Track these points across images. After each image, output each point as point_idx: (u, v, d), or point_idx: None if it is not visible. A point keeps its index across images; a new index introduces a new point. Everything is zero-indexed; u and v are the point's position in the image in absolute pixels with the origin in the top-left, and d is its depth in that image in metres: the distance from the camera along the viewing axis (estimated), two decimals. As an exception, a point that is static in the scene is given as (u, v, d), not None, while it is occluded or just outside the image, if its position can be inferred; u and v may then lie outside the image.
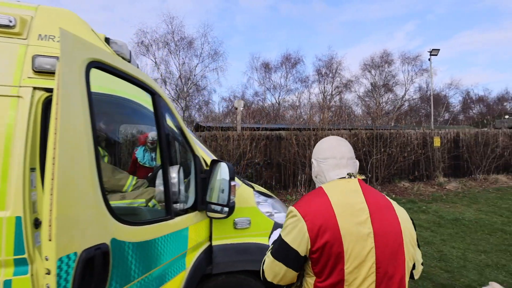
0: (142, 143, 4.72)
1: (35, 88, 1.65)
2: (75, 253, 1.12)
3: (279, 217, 2.77)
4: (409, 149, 11.29)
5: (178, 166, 2.08)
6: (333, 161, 1.45)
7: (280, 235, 1.32)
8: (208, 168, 2.30)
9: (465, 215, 7.29)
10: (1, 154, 1.50)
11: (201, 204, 2.18)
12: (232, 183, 2.12)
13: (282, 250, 1.28)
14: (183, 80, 32.77)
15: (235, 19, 67.86)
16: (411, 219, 1.40)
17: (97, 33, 2.24)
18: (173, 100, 32.25)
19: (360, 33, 73.31)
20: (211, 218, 2.28)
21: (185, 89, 32.56)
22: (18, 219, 1.49)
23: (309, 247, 1.23)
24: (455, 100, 44.65)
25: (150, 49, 31.77)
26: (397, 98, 40.19)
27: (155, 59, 32.13)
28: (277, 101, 39.24)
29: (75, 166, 1.15)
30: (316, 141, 9.74)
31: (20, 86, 1.62)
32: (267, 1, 67.67)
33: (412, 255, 1.32)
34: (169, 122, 2.06)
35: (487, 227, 6.34)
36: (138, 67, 2.67)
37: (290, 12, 68.26)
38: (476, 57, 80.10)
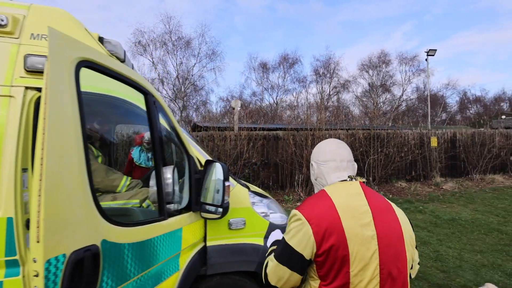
0: (138, 143, 4.69)
1: (27, 88, 1.63)
2: (64, 255, 1.11)
3: (275, 217, 2.76)
4: (406, 149, 11.33)
5: (172, 166, 2.07)
6: (334, 164, 1.46)
7: (283, 238, 1.32)
8: (202, 169, 2.29)
9: (462, 215, 7.31)
10: None
11: (195, 205, 2.17)
12: (226, 183, 2.11)
13: (286, 254, 1.28)
14: (180, 80, 32.77)
15: (233, 19, 68.01)
16: (409, 219, 1.42)
17: (91, 33, 2.23)
18: (171, 100, 32.24)
19: (357, 33, 73.65)
20: (205, 219, 2.27)
21: (183, 89, 32.56)
22: (9, 220, 1.47)
23: (314, 250, 1.23)
24: (452, 100, 44.90)
25: (148, 49, 31.80)
26: (394, 98, 40.34)
27: (152, 59, 32.15)
28: (275, 101, 39.29)
29: (63, 167, 1.13)
30: (313, 141, 9.75)
31: (12, 86, 1.60)
32: (265, 1, 67.74)
33: (412, 255, 1.35)
34: (162, 122, 2.05)
35: (483, 227, 6.36)
36: (133, 67, 2.65)
37: (288, 12, 68.47)
38: (473, 58, 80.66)
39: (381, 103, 39.48)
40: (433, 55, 22.39)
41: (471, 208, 7.96)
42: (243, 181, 3.18)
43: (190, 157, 2.20)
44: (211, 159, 2.41)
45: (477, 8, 76.73)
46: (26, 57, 1.65)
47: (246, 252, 2.42)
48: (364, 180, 1.46)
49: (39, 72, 1.64)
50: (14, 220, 1.47)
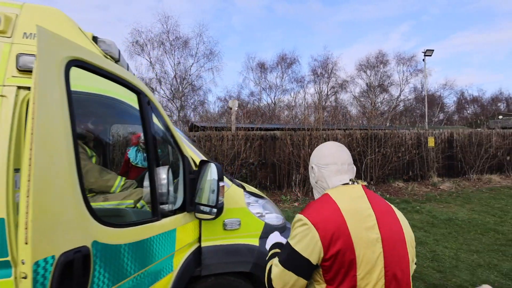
0: (134, 144, 4.68)
1: (19, 87, 1.61)
2: (53, 257, 1.09)
3: (270, 218, 2.75)
4: (404, 149, 11.34)
5: (166, 166, 2.05)
6: (335, 167, 1.47)
7: (289, 244, 1.30)
8: (197, 169, 2.27)
9: (458, 215, 7.32)
10: None
11: (190, 205, 2.16)
12: (221, 183, 2.10)
13: (292, 260, 1.26)
14: (178, 80, 32.73)
15: (231, 19, 67.98)
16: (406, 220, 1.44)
17: (85, 32, 2.21)
18: (168, 100, 32.18)
19: (355, 34, 73.75)
20: (200, 219, 2.26)
21: (180, 89, 32.52)
22: (1, 220, 1.46)
23: (322, 255, 1.22)
24: (450, 101, 45.03)
25: (145, 49, 31.74)
26: (392, 99, 40.44)
27: (150, 58, 32.08)
28: (273, 101, 39.30)
29: (52, 167, 1.12)
30: (310, 141, 9.75)
31: (4, 85, 1.59)
32: (263, 1, 67.74)
33: (413, 256, 1.37)
34: (156, 122, 2.03)
35: (480, 227, 6.37)
36: (128, 67, 2.64)
37: (286, 12, 68.50)
38: (471, 58, 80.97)
39: (379, 103, 39.56)
40: (430, 55, 22.48)
41: (468, 208, 7.98)
42: (238, 181, 3.17)
43: (184, 157, 2.18)
44: (205, 159, 2.40)
45: (475, 8, 77.04)
46: (18, 56, 1.64)
47: (241, 252, 2.42)
48: (365, 183, 1.47)
49: (32, 71, 1.63)
50: (6, 221, 1.46)
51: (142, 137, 4.24)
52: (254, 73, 40.40)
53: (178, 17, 36.94)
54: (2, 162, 1.48)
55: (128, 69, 2.61)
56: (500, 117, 32.83)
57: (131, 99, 2.23)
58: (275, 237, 1.73)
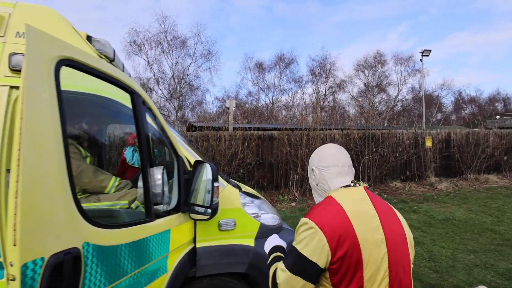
0: (131, 144, 4.66)
1: (12, 87, 1.60)
2: (42, 258, 1.08)
3: (266, 218, 2.74)
4: (401, 149, 11.35)
5: (160, 167, 2.04)
6: (336, 169, 1.48)
7: (295, 249, 1.29)
8: (191, 169, 2.26)
9: (456, 215, 7.33)
10: None
11: (184, 206, 2.14)
12: (215, 184, 2.09)
13: (300, 264, 1.25)
14: (176, 80, 32.69)
15: (229, 19, 67.96)
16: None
17: (79, 31, 2.19)
18: (166, 100, 32.13)
19: (353, 34, 73.92)
20: (195, 220, 2.25)
21: (178, 89, 32.48)
22: None
23: (329, 258, 1.22)
24: (448, 101, 45.18)
25: (143, 49, 31.71)
26: (390, 99, 40.53)
27: (147, 58, 32.03)
28: (271, 101, 39.31)
29: (42, 168, 1.10)
30: (308, 141, 9.75)
31: (-4, 85, 1.57)
32: (261, 1, 67.75)
33: (412, 256, 1.39)
34: (150, 122, 2.02)
35: (477, 226, 6.38)
36: (124, 66, 2.62)
37: (284, 12, 68.51)
38: (468, 58, 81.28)
39: (377, 103, 39.64)
40: (427, 56, 22.55)
41: (465, 208, 7.99)
42: (234, 182, 3.16)
43: (179, 158, 2.17)
44: (200, 159, 2.39)
45: (472, 9, 77.33)
46: (11, 55, 1.62)
47: (236, 253, 2.40)
48: (366, 185, 1.49)
49: (24, 71, 1.61)
50: None
51: (138, 137, 4.22)
52: (252, 73, 40.45)
53: (176, 17, 37.14)
54: (-6, 162, 1.47)
55: (123, 69, 2.59)
56: (498, 117, 32.96)
57: (126, 99, 2.22)
58: (274, 240, 1.72)
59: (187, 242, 2.25)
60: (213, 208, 2.07)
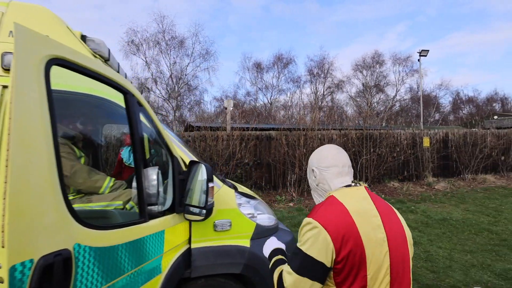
0: (128, 144, 4.64)
1: (4, 87, 1.58)
2: (31, 260, 1.06)
3: (262, 218, 2.73)
4: (399, 149, 11.35)
5: (155, 167, 2.02)
6: (336, 169, 1.48)
7: (300, 250, 1.29)
8: (186, 169, 2.25)
9: (453, 215, 7.34)
10: None
11: (179, 206, 2.13)
12: (210, 184, 2.08)
13: (306, 266, 1.25)
14: (174, 80, 32.65)
15: (227, 19, 67.97)
16: None
17: (73, 31, 2.18)
18: (164, 100, 32.09)
19: (351, 34, 74.03)
20: (190, 221, 2.23)
21: (176, 89, 32.44)
22: None
23: (334, 257, 1.22)
24: (445, 101, 45.32)
25: (141, 48, 31.65)
26: (388, 99, 40.59)
27: (145, 58, 31.96)
28: (269, 101, 39.32)
29: (31, 168, 1.08)
30: (305, 141, 9.74)
31: (-11, 85, 1.56)
32: (260, 1, 67.74)
33: (412, 254, 1.41)
34: (144, 122, 2.00)
35: (474, 227, 6.38)
36: (119, 66, 2.60)
37: (283, 13, 68.57)
38: (466, 58, 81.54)
39: (375, 103, 39.69)
40: (425, 56, 22.55)
41: (463, 208, 8.00)
42: (230, 182, 3.14)
43: (173, 158, 2.16)
44: (195, 159, 2.37)
45: (470, 9, 77.55)
46: (3, 55, 1.61)
47: (231, 254, 2.39)
48: (366, 184, 1.50)
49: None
50: None
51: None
52: (250, 73, 40.48)
53: (174, 16, 36.90)
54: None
55: (119, 69, 2.58)
56: (495, 117, 33.07)
57: (121, 100, 2.21)
58: (272, 243, 1.72)
59: (182, 243, 2.24)
60: (208, 209, 2.06)
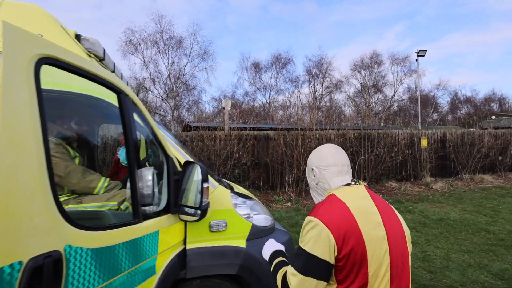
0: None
1: None
2: (20, 262, 1.04)
3: (258, 219, 2.71)
4: (397, 149, 11.36)
5: (150, 167, 2.01)
6: (336, 168, 1.49)
7: (303, 250, 1.29)
8: (181, 170, 2.23)
9: (450, 215, 7.34)
10: None
11: (174, 207, 2.11)
12: (205, 184, 2.06)
13: (311, 265, 1.25)
14: (172, 80, 32.61)
15: (226, 19, 67.92)
16: None
17: (67, 30, 2.16)
18: (162, 99, 32.04)
19: (350, 34, 74.09)
20: (185, 221, 2.22)
21: (175, 89, 32.40)
22: None
23: (335, 254, 1.23)
24: (444, 101, 45.41)
25: (139, 48, 31.60)
26: (386, 99, 40.66)
27: (143, 58, 31.91)
28: (267, 101, 39.32)
29: (20, 169, 1.07)
30: (303, 141, 9.73)
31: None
32: (258, 1, 67.71)
33: (410, 251, 1.43)
34: (139, 121, 1.98)
35: (471, 227, 6.38)
36: (115, 65, 2.59)
37: (281, 13, 68.55)
38: (464, 58, 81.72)
39: (373, 103, 39.74)
40: (423, 56, 22.61)
41: (460, 208, 8.00)
42: (227, 182, 3.13)
43: (168, 158, 2.14)
44: (191, 159, 2.36)
45: (468, 9, 77.71)
46: None
47: (227, 255, 2.37)
48: (365, 183, 1.51)
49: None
50: None
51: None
52: (248, 73, 40.53)
53: (172, 16, 36.93)
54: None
55: (114, 68, 2.56)
56: (493, 117, 33.15)
57: (115, 99, 2.19)
58: (272, 245, 1.71)
59: (177, 243, 2.22)
60: (203, 209, 2.04)
